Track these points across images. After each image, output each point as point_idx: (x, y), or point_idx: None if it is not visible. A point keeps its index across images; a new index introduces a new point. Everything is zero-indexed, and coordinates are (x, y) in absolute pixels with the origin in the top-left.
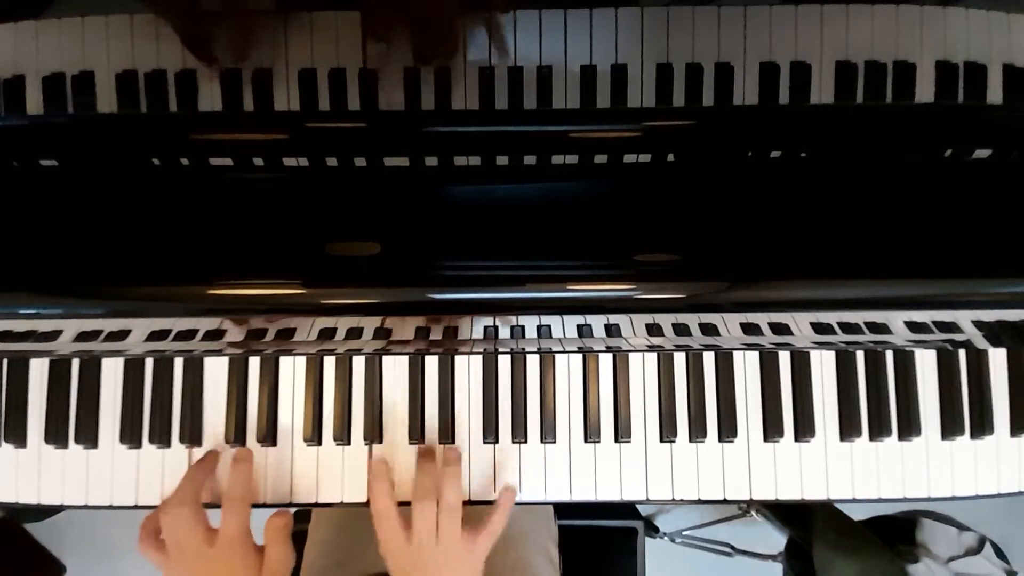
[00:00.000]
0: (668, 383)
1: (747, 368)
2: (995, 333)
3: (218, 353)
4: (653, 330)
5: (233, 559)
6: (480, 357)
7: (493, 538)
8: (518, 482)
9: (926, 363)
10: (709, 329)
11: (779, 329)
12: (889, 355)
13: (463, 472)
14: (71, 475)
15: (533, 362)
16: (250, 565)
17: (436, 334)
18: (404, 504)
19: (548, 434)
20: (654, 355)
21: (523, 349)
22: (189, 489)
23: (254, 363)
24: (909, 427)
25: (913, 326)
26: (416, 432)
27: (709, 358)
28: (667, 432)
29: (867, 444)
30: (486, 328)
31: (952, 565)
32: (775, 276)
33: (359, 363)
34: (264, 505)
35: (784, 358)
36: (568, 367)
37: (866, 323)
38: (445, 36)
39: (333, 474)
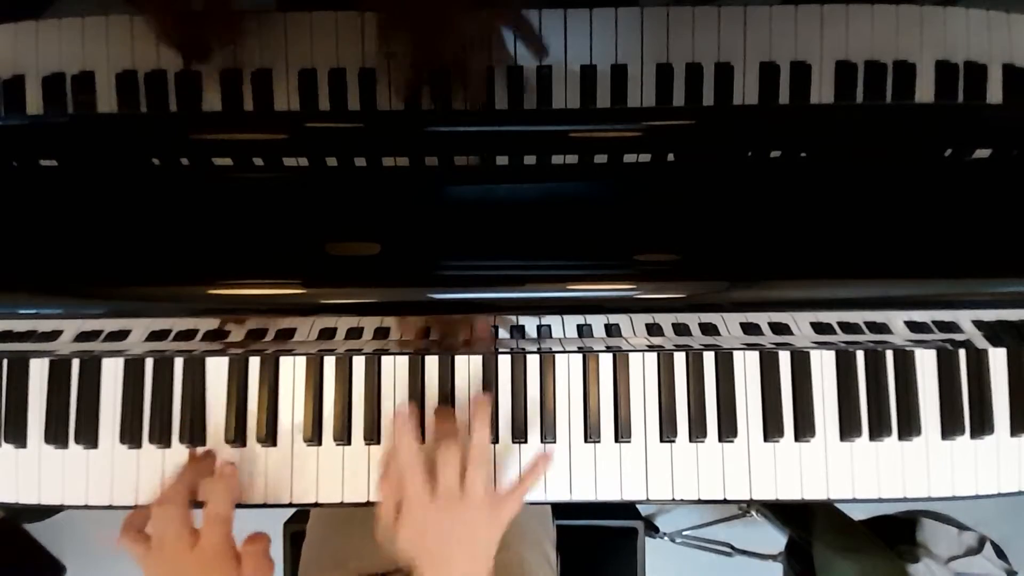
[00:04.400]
0: (668, 383)
1: (747, 368)
2: (995, 333)
3: (218, 353)
4: (653, 330)
5: (211, 566)
6: (480, 357)
7: (520, 501)
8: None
9: (926, 363)
10: (709, 329)
11: (779, 329)
12: (889, 355)
13: None
14: (71, 475)
15: (533, 362)
16: (227, 573)
17: (436, 334)
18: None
19: (548, 434)
20: (654, 355)
21: (523, 349)
22: (181, 488)
23: (254, 363)
24: (909, 427)
25: (913, 326)
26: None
27: (709, 358)
28: (667, 432)
29: (867, 444)
30: None
31: (952, 565)
32: (775, 276)
33: (359, 363)
34: (264, 506)
35: (784, 358)
36: (568, 367)
37: (866, 323)
38: (443, 35)
39: (333, 474)
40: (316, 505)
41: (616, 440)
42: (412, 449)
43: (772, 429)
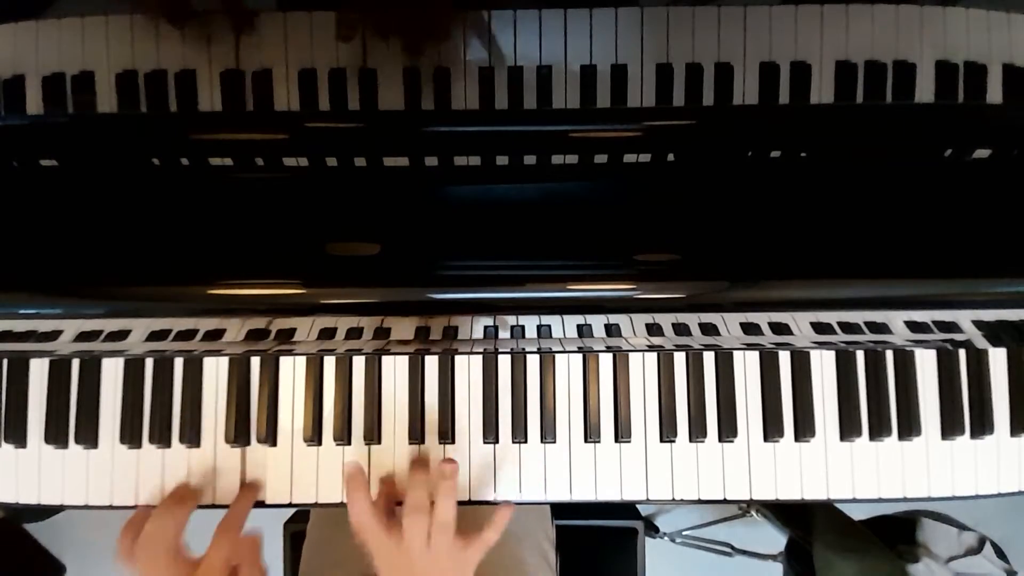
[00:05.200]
0: (668, 383)
1: (747, 368)
2: (995, 333)
3: (218, 353)
4: (653, 330)
5: None
6: (480, 357)
7: (484, 550)
8: (518, 482)
9: (926, 363)
10: (709, 329)
11: (779, 329)
12: (889, 355)
13: (462, 472)
14: (71, 475)
15: (533, 362)
16: None
17: (436, 334)
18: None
19: (548, 434)
20: (654, 355)
21: (523, 349)
22: (170, 525)
23: (254, 363)
24: (909, 427)
25: (913, 326)
26: (416, 432)
27: (709, 358)
28: (667, 432)
29: (867, 444)
30: (486, 328)
31: (952, 565)
32: (775, 276)
33: (359, 363)
34: (264, 506)
35: (784, 358)
36: (568, 367)
37: (866, 323)
38: (443, 35)
39: (333, 474)
40: (316, 505)
41: (616, 440)
42: (365, 511)
43: (772, 429)
